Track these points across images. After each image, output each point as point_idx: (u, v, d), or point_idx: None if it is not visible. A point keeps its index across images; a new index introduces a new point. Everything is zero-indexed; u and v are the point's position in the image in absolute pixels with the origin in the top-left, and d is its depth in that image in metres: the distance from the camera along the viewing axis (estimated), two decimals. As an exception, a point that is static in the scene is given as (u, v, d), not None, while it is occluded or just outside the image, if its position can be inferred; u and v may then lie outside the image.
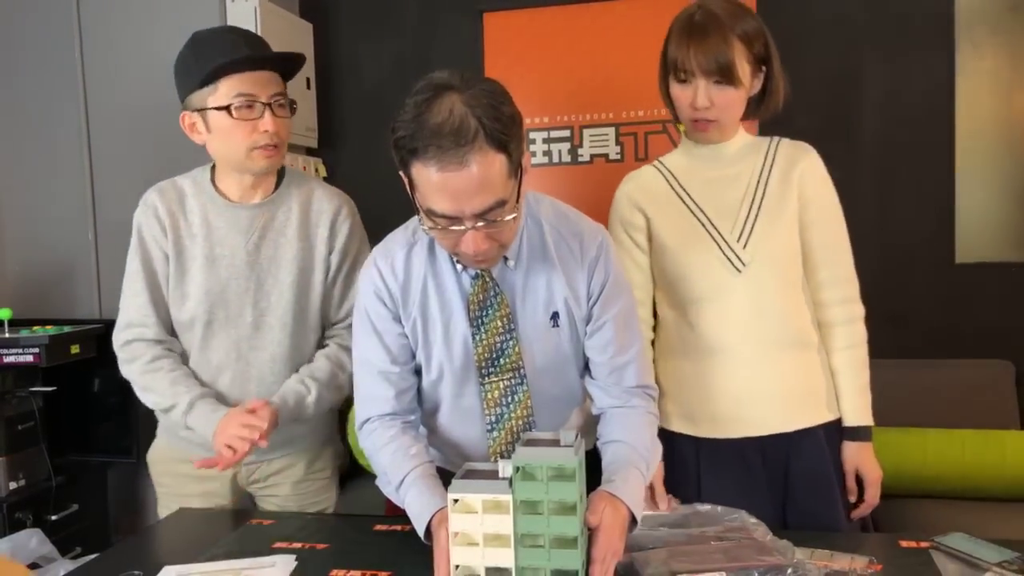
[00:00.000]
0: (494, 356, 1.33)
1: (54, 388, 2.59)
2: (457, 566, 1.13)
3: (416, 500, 1.24)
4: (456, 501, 1.12)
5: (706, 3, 1.50)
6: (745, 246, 1.51)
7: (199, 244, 1.60)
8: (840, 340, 1.55)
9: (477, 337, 1.32)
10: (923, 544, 1.29)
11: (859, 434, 1.54)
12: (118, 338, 1.65)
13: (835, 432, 1.55)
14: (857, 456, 1.54)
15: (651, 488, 1.49)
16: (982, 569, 1.18)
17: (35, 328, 2.54)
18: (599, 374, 1.38)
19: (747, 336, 1.51)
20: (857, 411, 1.55)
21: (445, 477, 1.30)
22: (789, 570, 1.15)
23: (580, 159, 3.10)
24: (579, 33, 3.05)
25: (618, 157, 3.07)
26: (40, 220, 2.86)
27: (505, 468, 1.13)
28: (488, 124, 1.10)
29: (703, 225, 1.54)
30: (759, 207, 1.52)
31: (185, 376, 1.61)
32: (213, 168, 1.65)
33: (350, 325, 1.46)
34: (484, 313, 1.31)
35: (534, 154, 3.13)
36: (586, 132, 3.09)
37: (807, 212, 1.54)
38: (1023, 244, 2.84)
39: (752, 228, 1.51)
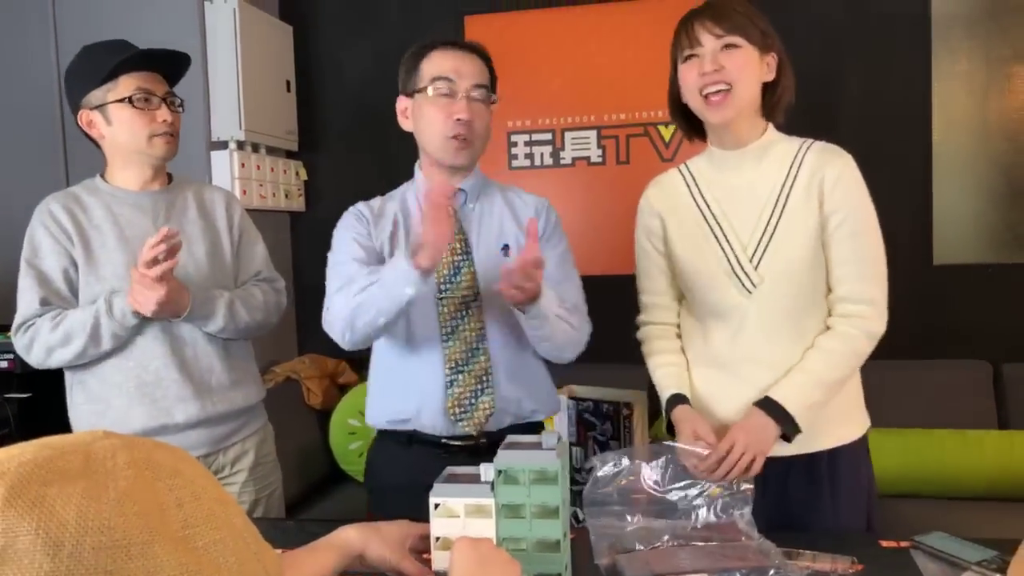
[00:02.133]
0: (451, 274, 1.55)
1: (29, 395, 2.55)
2: (437, 573, 1.12)
3: (389, 266, 1.44)
4: (437, 506, 1.12)
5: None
6: (757, 266, 1.42)
7: (107, 231, 1.66)
8: (834, 341, 1.40)
9: None
10: (903, 544, 1.30)
11: (773, 409, 1.37)
12: (17, 335, 1.66)
13: (836, 457, 1.46)
14: (750, 423, 1.37)
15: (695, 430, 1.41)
16: (962, 568, 1.19)
17: (7, 333, 2.50)
18: None
19: (756, 359, 1.44)
20: (789, 394, 1.37)
21: (397, 438, 1.58)
22: (772, 571, 1.15)
23: (562, 162, 3.10)
24: (560, 37, 3.06)
25: (600, 160, 3.08)
26: (15, 222, 2.82)
27: (487, 472, 1.12)
28: (482, 49, 1.62)
29: (716, 239, 1.46)
30: (777, 223, 1.42)
31: (89, 306, 1.62)
32: (102, 175, 1.74)
33: (259, 281, 1.79)
34: None
35: (516, 157, 3.14)
36: (568, 135, 3.09)
37: (829, 223, 1.40)
38: (1000, 245, 2.88)
39: (767, 246, 1.42)
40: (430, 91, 1.54)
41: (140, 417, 1.63)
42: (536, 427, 1.61)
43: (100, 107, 1.64)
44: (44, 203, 1.68)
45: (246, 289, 1.77)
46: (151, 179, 1.72)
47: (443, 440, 1.55)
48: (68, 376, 1.71)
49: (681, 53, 1.44)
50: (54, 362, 1.64)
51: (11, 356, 2.35)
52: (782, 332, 1.43)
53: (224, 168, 2.71)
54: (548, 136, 3.11)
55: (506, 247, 1.59)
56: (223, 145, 2.74)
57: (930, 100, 2.85)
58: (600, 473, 1.32)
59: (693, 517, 1.33)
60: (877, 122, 2.87)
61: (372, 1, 3.18)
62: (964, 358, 2.76)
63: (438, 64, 1.56)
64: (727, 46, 1.39)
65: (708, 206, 1.49)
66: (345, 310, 1.46)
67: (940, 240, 2.87)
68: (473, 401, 1.53)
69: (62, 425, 1.72)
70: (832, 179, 1.40)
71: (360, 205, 1.64)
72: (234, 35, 2.69)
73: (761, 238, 1.43)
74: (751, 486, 1.35)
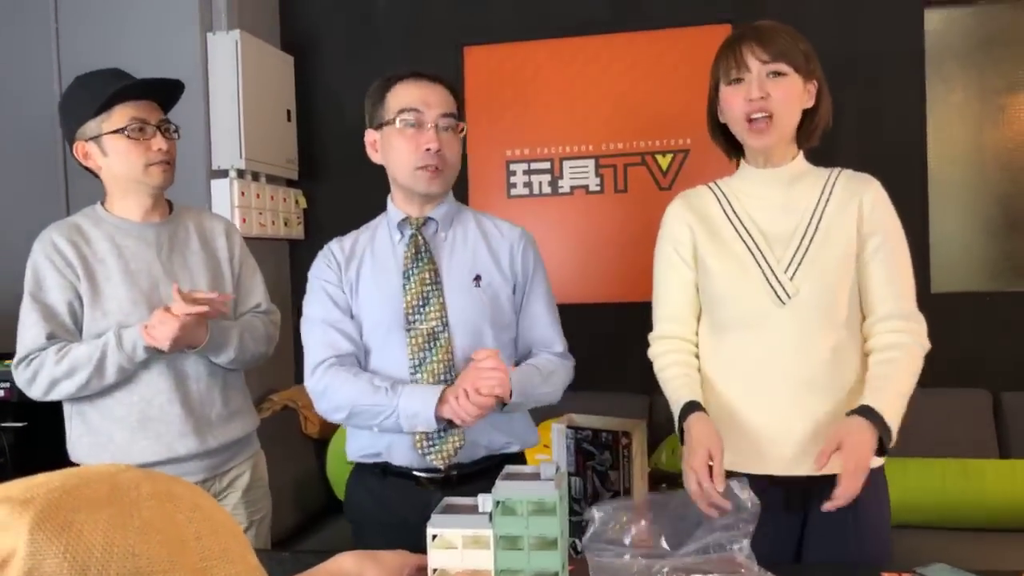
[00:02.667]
0: (419, 304, 1.54)
1: (25, 424, 2.53)
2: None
3: (411, 394, 1.46)
4: (435, 537, 1.11)
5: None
6: (792, 277, 1.43)
7: (111, 265, 1.66)
8: (898, 362, 1.40)
9: (406, 287, 1.55)
10: (905, 575, 1.29)
11: (871, 415, 1.34)
12: (19, 369, 1.64)
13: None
14: (848, 430, 1.32)
15: (710, 467, 1.37)
16: (964, 600, 1.18)
17: (5, 362, 2.50)
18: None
19: (784, 373, 1.43)
20: (883, 401, 1.35)
21: (366, 471, 1.59)
22: (772, 603, 1.13)
23: (560, 190, 3.12)
24: (558, 67, 3.09)
25: (598, 188, 3.09)
26: (10, 247, 2.83)
27: (485, 503, 1.11)
28: (447, 82, 1.60)
29: (750, 251, 1.46)
30: (811, 239, 1.44)
31: (96, 340, 1.62)
32: (102, 203, 1.74)
33: (258, 313, 1.81)
34: (414, 266, 1.56)
35: (514, 185, 3.15)
36: (566, 164, 3.11)
37: (868, 245, 1.44)
38: (997, 274, 2.89)
39: (802, 259, 1.43)
40: (398, 123, 1.54)
41: (143, 451, 1.62)
42: (512, 459, 1.58)
43: (95, 138, 1.65)
44: (46, 233, 1.68)
45: (249, 320, 1.78)
46: (151, 208, 1.73)
47: (414, 472, 1.53)
48: (67, 407, 1.70)
49: (726, 75, 1.45)
50: (56, 395, 1.63)
51: (7, 385, 2.34)
52: (812, 346, 1.43)
53: (224, 196, 2.72)
54: (547, 165, 3.12)
55: (478, 277, 1.58)
56: (223, 174, 2.76)
57: (925, 130, 2.87)
58: (598, 526, 1.32)
59: (692, 547, 1.31)
60: (873, 152, 2.89)
61: (373, 32, 3.23)
62: (964, 387, 2.75)
63: (404, 96, 1.56)
64: (773, 73, 1.41)
65: (740, 220, 1.50)
66: (331, 391, 1.53)
67: (938, 268, 2.88)
68: (441, 435, 1.50)
69: (58, 455, 1.72)
70: (870, 202, 1.45)
71: (333, 246, 1.64)
72: (236, 65, 2.72)
73: (796, 252, 1.45)
74: (752, 525, 1.33)
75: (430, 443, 1.50)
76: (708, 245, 1.50)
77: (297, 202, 3.17)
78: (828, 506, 1.33)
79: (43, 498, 0.45)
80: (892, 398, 1.37)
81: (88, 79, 1.69)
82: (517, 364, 1.62)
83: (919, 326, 1.44)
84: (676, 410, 1.49)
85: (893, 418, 1.35)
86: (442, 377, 1.51)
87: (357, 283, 1.59)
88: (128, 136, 1.64)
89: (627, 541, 1.31)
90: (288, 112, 3.09)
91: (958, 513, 2.47)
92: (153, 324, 1.56)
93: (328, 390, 1.52)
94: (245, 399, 1.82)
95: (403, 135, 1.54)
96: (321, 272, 1.62)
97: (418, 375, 1.51)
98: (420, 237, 1.59)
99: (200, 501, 0.49)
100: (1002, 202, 2.88)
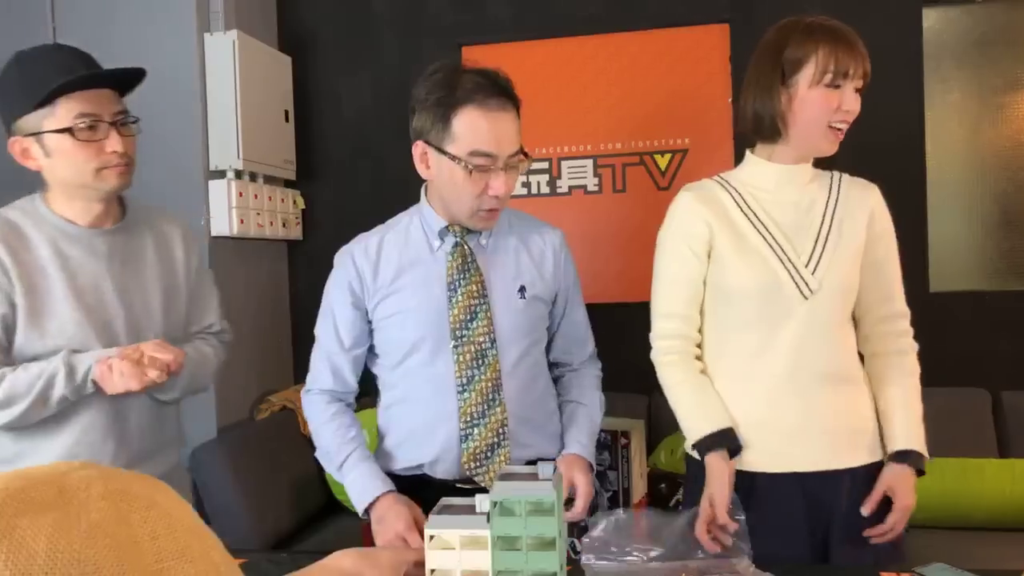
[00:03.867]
0: (467, 319, 1.47)
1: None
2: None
3: (357, 480, 1.46)
4: (432, 537, 1.10)
5: (820, 18, 1.44)
6: (814, 272, 1.45)
7: (54, 277, 1.42)
8: (897, 369, 1.51)
9: (453, 300, 1.47)
10: (904, 575, 1.28)
11: (909, 458, 1.44)
12: None
13: (876, 474, 1.47)
14: (897, 478, 1.43)
15: (712, 507, 1.41)
16: (963, 600, 1.18)
17: None
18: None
19: (800, 365, 1.44)
20: (912, 437, 1.46)
21: (402, 482, 1.51)
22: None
23: (559, 190, 3.12)
24: (556, 67, 3.09)
25: (596, 189, 3.09)
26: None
27: (482, 503, 1.11)
28: (514, 93, 1.43)
29: (770, 245, 1.46)
30: (827, 236, 1.47)
31: (37, 365, 1.40)
32: (43, 196, 1.48)
33: (209, 334, 1.65)
34: (461, 278, 1.48)
35: (513, 186, 3.15)
36: (564, 164, 3.11)
37: (877, 247, 1.50)
38: (995, 273, 2.89)
39: (821, 256, 1.46)
40: (467, 165, 1.39)
41: None
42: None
43: (36, 135, 1.38)
44: None
45: (199, 350, 1.59)
46: (103, 213, 1.48)
47: (456, 484, 1.50)
48: None
49: (822, 76, 1.39)
50: None
51: None
52: (834, 340, 1.47)
53: (222, 197, 2.72)
54: (545, 165, 3.12)
55: (523, 288, 1.51)
56: (221, 174, 2.76)
57: (923, 129, 2.87)
58: (596, 533, 1.33)
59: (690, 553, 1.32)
60: (871, 151, 2.88)
61: (371, 32, 3.22)
62: (962, 386, 2.75)
63: (476, 132, 1.37)
64: (857, 89, 1.43)
65: (756, 215, 1.49)
66: (312, 423, 1.56)
67: (936, 268, 2.88)
68: (489, 455, 1.47)
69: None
70: (879, 206, 1.53)
71: (356, 252, 1.53)
72: (233, 65, 2.71)
73: (815, 248, 1.47)
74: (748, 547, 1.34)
75: (478, 464, 1.47)
76: (727, 240, 1.47)
77: (295, 202, 3.16)
78: (875, 537, 1.43)
79: None
80: (918, 429, 1.48)
81: (27, 59, 1.40)
82: (554, 374, 1.64)
83: (909, 324, 1.55)
84: (693, 437, 1.47)
85: (923, 446, 1.47)
86: (490, 396, 1.47)
87: (392, 292, 1.50)
88: (75, 137, 1.36)
89: (626, 548, 1.31)
90: (286, 113, 3.09)
91: (957, 512, 2.47)
92: (117, 371, 1.35)
93: (309, 417, 1.58)
94: (178, 426, 1.66)
95: (468, 177, 1.39)
96: (335, 290, 1.54)
97: (466, 394, 1.47)
98: (466, 247, 1.51)
99: (159, 498, 0.47)
100: (1000, 201, 2.87)
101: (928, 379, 2.94)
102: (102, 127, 1.39)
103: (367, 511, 1.44)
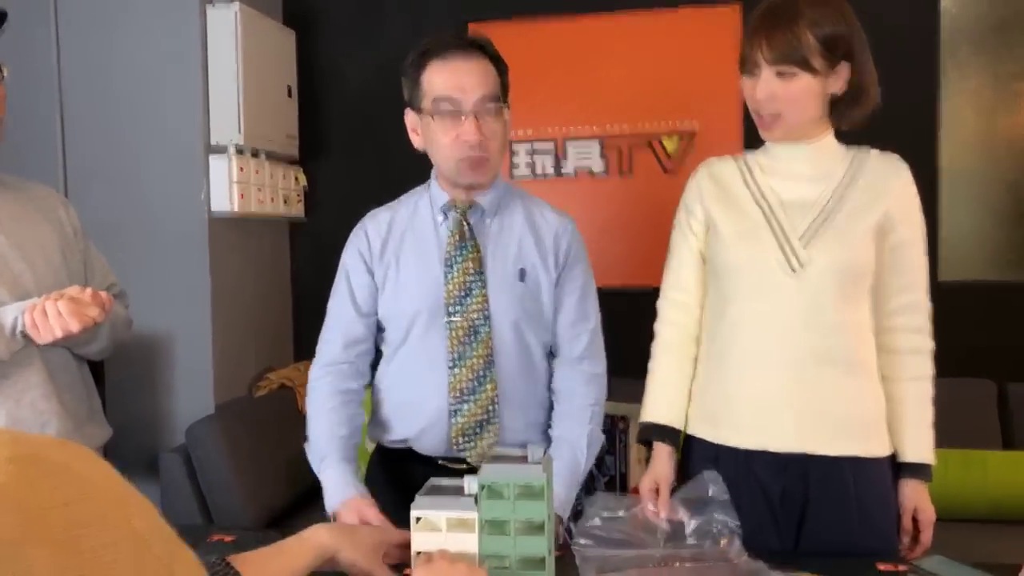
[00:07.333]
0: (462, 295, 1.47)
1: None
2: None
3: (331, 480, 1.45)
4: (419, 519, 1.09)
5: None
6: (806, 246, 1.40)
7: None
8: (909, 370, 1.45)
9: (448, 275, 1.48)
10: (901, 568, 1.26)
11: (921, 472, 1.43)
12: None
13: (869, 467, 1.42)
14: (917, 495, 1.43)
15: (655, 491, 1.46)
16: (961, 594, 1.16)
17: None
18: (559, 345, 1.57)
19: (789, 344, 1.40)
20: (921, 447, 1.44)
21: (390, 455, 1.57)
22: (763, 593, 1.12)
23: (564, 172, 3.08)
24: (564, 46, 3.04)
25: (602, 171, 3.05)
26: None
27: (471, 485, 1.09)
28: (486, 45, 1.48)
29: (765, 216, 1.44)
30: (831, 210, 1.41)
31: None
32: None
33: (114, 296, 1.54)
34: (457, 254, 1.49)
35: (517, 166, 3.11)
36: (570, 145, 3.07)
37: (894, 232, 1.43)
38: (1005, 264, 2.84)
39: (818, 230, 1.40)
40: (433, 115, 1.44)
41: None
42: None
43: None
44: None
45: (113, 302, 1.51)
46: None
47: (439, 461, 1.51)
48: None
49: (741, 65, 1.43)
50: None
51: None
52: (822, 320, 1.39)
53: (223, 173, 2.69)
54: (550, 146, 3.08)
55: (522, 271, 1.51)
56: (222, 150, 2.73)
57: (938, 117, 2.82)
58: (591, 518, 1.31)
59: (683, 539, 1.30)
60: (884, 139, 2.82)
61: (375, 7, 3.18)
62: (969, 376, 2.71)
63: (438, 80, 1.44)
64: (781, 74, 1.37)
65: (759, 186, 1.47)
66: (310, 409, 1.54)
67: (946, 257, 2.83)
68: (478, 431, 1.47)
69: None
70: (901, 188, 1.45)
71: (368, 226, 1.57)
72: (235, 39, 2.67)
73: (813, 221, 1.41)
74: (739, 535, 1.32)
75: (467, 440, 1.48)
76: (722, 210, 1.48)
77: (297, 179, 3.14)
78: (912, 556, 1.41)
79: None
80: (928, 439, 1.45)
81: None
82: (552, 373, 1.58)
83: (927, 320, 1.47)
84: (646, 417, 1.55)
85: (932, 455, 1.46)
86: (481, 373, 1.47)
87: (397, 265, 1.53)
88: None
89: (620, 533, 1.30)
90: (289, 88, 3.05)
91: (959, 504, 2.44)
92: (53, 312, 1.28)
93: (310, 402, 1.56)
94: (98, 400, 1.60)
95: (440, 126, 1.44)
96: (350, 259, 1.57)
97: (456, 369, 1.47)
98: (465, 223, 1.51)
99: (76, 465, 0.44)
100: (1014, 191, 2.82)
101: (935, 369, 2.91)
102: None
103: (335, 514, 1.42)
